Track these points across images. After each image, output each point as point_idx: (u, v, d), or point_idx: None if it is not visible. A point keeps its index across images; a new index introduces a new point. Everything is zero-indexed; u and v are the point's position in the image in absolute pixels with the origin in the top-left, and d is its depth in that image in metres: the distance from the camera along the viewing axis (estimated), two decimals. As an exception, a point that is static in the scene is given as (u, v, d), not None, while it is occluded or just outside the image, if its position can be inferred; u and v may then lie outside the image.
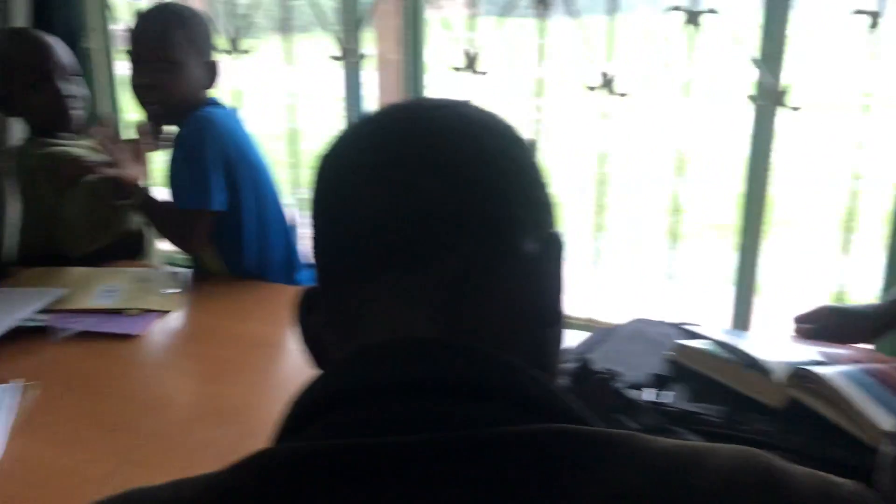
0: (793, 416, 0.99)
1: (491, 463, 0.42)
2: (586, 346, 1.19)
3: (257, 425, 0.99)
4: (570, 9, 1.58)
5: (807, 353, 1.09)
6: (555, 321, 0.54)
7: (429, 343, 0.48)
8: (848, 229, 1.44)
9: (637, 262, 4.84)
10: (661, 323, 1.30)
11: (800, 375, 0.98)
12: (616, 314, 1.31)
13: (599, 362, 1.12)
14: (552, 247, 0.54)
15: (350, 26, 1.95)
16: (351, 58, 1.97)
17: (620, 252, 5.05)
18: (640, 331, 1.24)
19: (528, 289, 0.52)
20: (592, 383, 1.03)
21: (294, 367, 1.27)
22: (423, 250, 0.50)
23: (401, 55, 1.93)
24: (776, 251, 5.13)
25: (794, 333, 1.26)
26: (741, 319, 1.65)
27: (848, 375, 0.98)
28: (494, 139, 0.54)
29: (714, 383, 1.08)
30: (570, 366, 1.08)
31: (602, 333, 1.25)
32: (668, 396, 1.04)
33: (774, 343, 1.16)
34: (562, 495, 0.41)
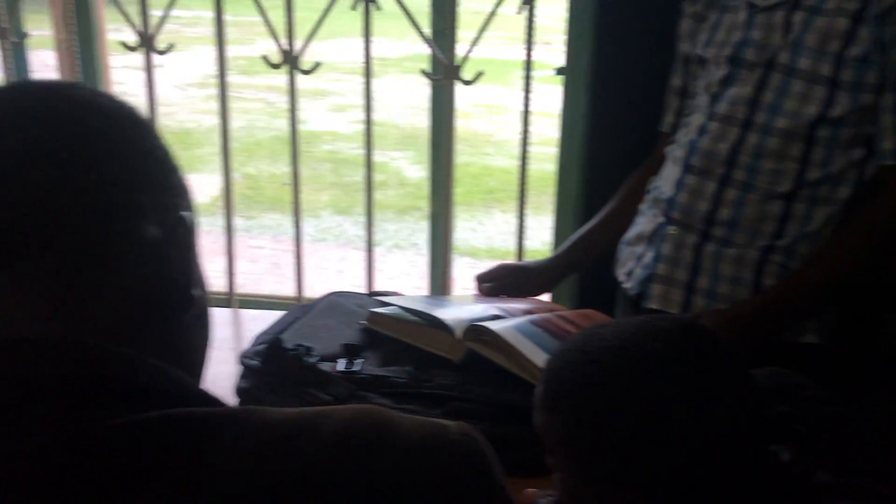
0: (473, 368, 1.06)
1: (90, 458, 0.40)
2: (280, 325, 1.19)
3: None
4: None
5: (487, 309, 1.18)
6: (188, 307, 0.53)
7: (36, 342, 0.45)
8: (523, 193, 1.56)
9: (350, 235, 4.95)
10: (358, 294, 1.33)
11: (474, 330, 1.06)
12: (327, 288, 1.33)
13: (292, 339, 1.12)
14: (179, 231, 0.52)
15: (9, 3, 1.76)
16: (11, 37, 1.78)
17: (338, 228, 5.14)
18: (336, 304, 1.26)
19: (151, 276, 0.50)
20: (283, 361, 1.03)
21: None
22: (21, 244, 0.46)
23: (70, 34, 1.78)
24: (469, 216, 5.51)
25: (477, 292, 1.35)
26: (438, 283, 1.74)
27: (516, 327, 1.07)
28: (106, 122, 0.51)
29: (404, 346, 1.13)
30: (260, 346, 1.07)
31: (298, 310, 1.25)
32: (358, 364, 1.06)
33: (460, 303, 1.24)
34: (168, 482, 0.40)
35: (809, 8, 1.11)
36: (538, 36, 1.50)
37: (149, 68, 1.68)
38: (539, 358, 1.01)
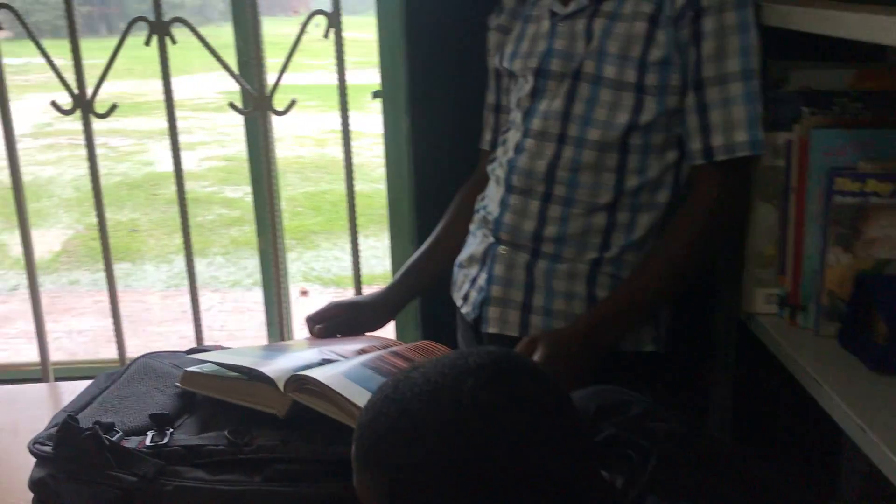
0: (301, 422, 0.97)
1: None
2: (81, 399, 1.06)
3: None
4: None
5: (317, 354, 1.09)
6: None
7: None
8: (353, 219, 1.49)
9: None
10: (174, 354, 1.21)
11: (297, 380, 0.97)
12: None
13: (94, 415, 1.00)
14: None
15: None
16: None
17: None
18: (149, 367, 1.14)
19: None
20: (78, 443, 0.91)
21: None
22: None
23: None
24: (331, 245, 5.39)
25: (310, 334, 1.26)
26: (274, 322, 1.63)
27: (345, 372, 0.99)
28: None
29: (225, 406, 1.03)
30: (52, 429, 0.94)
31: (103, 379, 1.12)
32: (166, 436, 0.96)
33: (293, 350, 1.14)
34: None
35: (608, 14, 1.09)
36: (357, 58, 1.44)
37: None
38: (363, 400, 0.93)
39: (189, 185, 1.72)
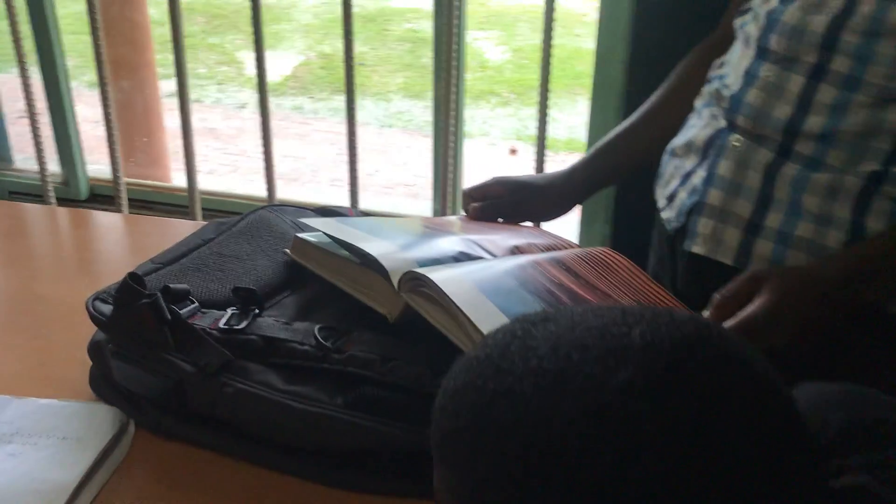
0: (415, 332, 0.73)
1: None
2: (177, 249, 0.88)
3: None
4: None
5: (456, 243, 0.84)
6: None
7: None
8: (546, 78, 1.19)
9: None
10: (299, 210, 1.00)
11: (413, 278, 0.72)
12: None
13: (176, 274, 0.82)
14: None
15: None
16: None
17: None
18: (265, 223, 0.94)
19: None
20: (136, 310, 0.72)
21: None
22: None
23: None
24: (520, 105, 5.02)
25: (465, 213, 1.00)
26: (439, 181, 1.39)
27: (479, 280, 0.73)
28: None
29: (336, 290, 0.81)
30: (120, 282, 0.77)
31: (211, 229, 0.94)
32: (247, 319, 0.75)
33: (427, 230, 0.90)
34: None
35: None
36: None
37: None
38: (490, 322, 0.67)
39: (421, 24, 1.50)
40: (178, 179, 2.18)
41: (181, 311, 0.74)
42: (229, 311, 0.76)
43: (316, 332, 0.73)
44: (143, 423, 0.74)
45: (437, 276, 0.71)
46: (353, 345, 0.72)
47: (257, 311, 0.77)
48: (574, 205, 1.03)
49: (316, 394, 0.69)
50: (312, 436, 0.68)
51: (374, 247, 0.78)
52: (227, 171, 3.94)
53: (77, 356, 0.80)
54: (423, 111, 4.81)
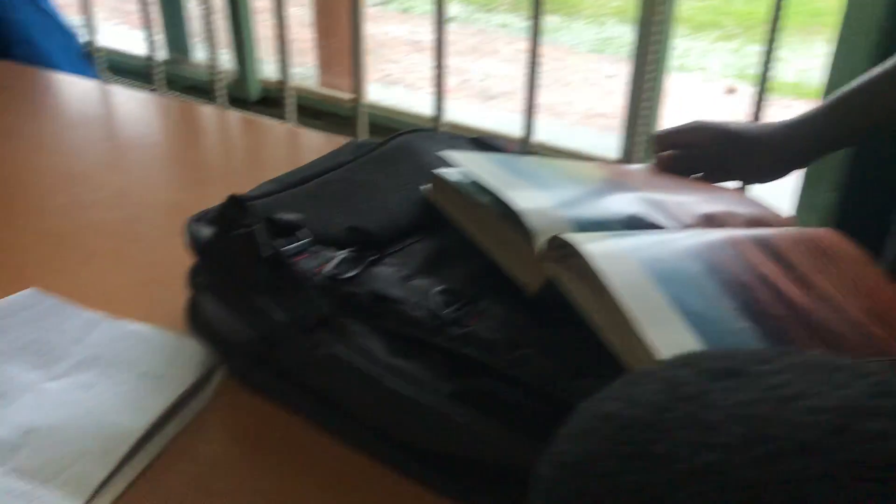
0: (559, 311, 0.57)
1: None
2: (303, 171, 0.76)
3: None
4: None
5: (631, 203, 0.66)
6: None
7: None
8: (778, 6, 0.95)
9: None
10: (453, 137, 0.85)
11: (562, 245, 0.55)
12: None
13: (294, 201, 0.70)
14: None
15: None
16: None
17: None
18: (408, 149, 0.80)
19: None
20: (231, 241, 0.61)
21: None
22: None
23: None
24: (745, 40, 4.49)
25: (654, 162, 0.81)
26: (632, 116, 1.19)
27: (650, 259, 0.55)
28: None
29: (471, 245, 0.66)
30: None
31: (347, 151, 0.81)
32: (361, 266, 0.62)
33: (605, 181, 0.72)
34: None
35: None
36: None
37: None
38: (659, 327, 0.50)
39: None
40: (373, 92, 2.09)
41: (286, 248, 0.62)
42: (340, 255, 0.63)
43: (435, 295, 0.59)
44: (233, 370, 0.64)
45: (593, 247, 0.54)
46: (478, 318, 0.57)
47: (376, 257, 0.64)
48: (796, 167, 0.81)
49: (420, 375, 0.55)
50: (409, 427, 0.54)
51: (524, 197, 0.62)
52: (424, 84, 3.86)
53: (182, 281, 0.71)
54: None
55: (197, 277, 0.67)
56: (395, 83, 3.77)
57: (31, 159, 0.97)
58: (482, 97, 3.68)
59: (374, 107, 1.64)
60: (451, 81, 1.51)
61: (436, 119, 1.53)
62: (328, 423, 0.60)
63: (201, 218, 0.67)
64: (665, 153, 0.79)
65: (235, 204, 0.62)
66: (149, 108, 1.12)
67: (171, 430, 0.60)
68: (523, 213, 0.59)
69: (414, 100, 2.74)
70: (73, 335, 0.67)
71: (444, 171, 0.70)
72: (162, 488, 0.56)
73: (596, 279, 0.52)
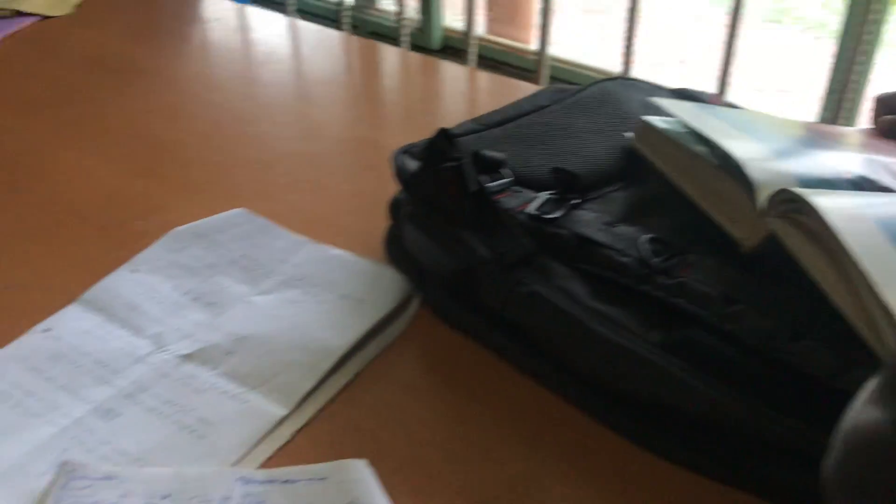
0: (776, 270, 0.54)
1: None
2: (500, 113, 0.76)
3: None
4: None
5: (859, 164, 0.62)
6: None
7: None
8: None
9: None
10: (655, 87, 0.82)
11: (788, 199, 0.52)
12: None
13: (496, 140, 0.70)
14: None
15: None
16: None
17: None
18: (609, 96, 0.78)
19: None
20: (438, 173, 0.62)
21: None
22: None
23: None
24: None
25: (872, 125, 0.76)
26: (835, 91, 1.11)
27: (884, 218, 0.51)
28: None
29: (678, 195, 0.64)
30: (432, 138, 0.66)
31: (548, 95, 0.80)
32: (564, 208, 0.61)
33: (816, 140, 0.68)
34: None
35: None
36: None
37: None
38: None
39: None
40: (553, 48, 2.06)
41: (489, 185, 0.62)
42: (544, 196, 0.63)
43: (644, 243, 0.57)
44: (429, 302, 0.65)
45: (825, 202, 0.50)
46: (689, 270, 0.56)
47: (578, 200, 0.63)
48: None
49: (624, 319, 0.54)
50: (612, 372, 0.54)
51: (741, 147, 0.59)
52: (604, 46, 3.77)
53: (380, 212, 0.73)
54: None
55: (399, 208, 0.68)
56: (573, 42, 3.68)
57: (234, 87, 1.02)
58: (668, 61, 3.55)
59: (556, 59, 1.62)
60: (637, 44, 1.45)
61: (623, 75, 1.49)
62: (519, 360, 0.60)
63: (407, 150, 0.69)
64: (887, 117, 0.73)
65: (445, 138, 0.63)
66: (337, 46, 1.15)
67: (370, 351, 0.62)
68: (745, 164, 0.56)
69: (595, 58, 2.66)
70: (279, 254, 0.71)
71: (652, 119, 0.68)
72: (361, 406, 0.58)
73: (829, 237, 0.49)
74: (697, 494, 0.51)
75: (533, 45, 1.86)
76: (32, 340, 0.62)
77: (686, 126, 0.64)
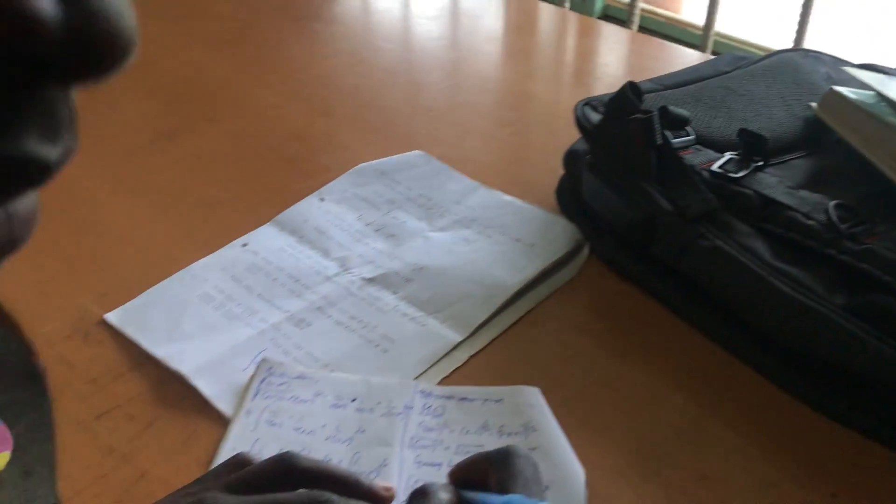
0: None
1: None
2: (683, 74, 0.76)
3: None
4: None
5: None
6: None
7: None
8: None
9: None
10: (837, 60, 0.81)
11: None
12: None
13: (676, 99, 0.70)
14: None
15: None
16: None
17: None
18: (790, 66, 0.77)
19: None
20: (625, 125, 0.63)
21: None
22: None
23: None
24: None
25: None
26: None
27: None
28: None
29: (865, 166, 0.63)
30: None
31: (727, 61, 0.80)
32: (747, 169, 0.62)
33: None
34: None
35: None
36: None
37: None
38: None
39: None
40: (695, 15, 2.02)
41: (674, 141, 0.63)
42: (727, 155, 0.63)
43: (831, 208, 0.57)
44: (598, 251, 0.67)
45: None
46: (876, 238, 0.55)
47: (761, 163, 0.63)
48: None
49: (810, 282, 0.54)
50: (793, 330, 0.54)
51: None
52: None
53: (549, 163, 0.75)
54: None
55: (576, 159, 0.70)
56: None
57: (406, 40, 1.05)
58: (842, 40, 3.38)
59: (721, 35, 1.59)
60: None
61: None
62: (686, 311, 0.61)
63: (588, 102, 0.70)
64: None
65: (633, 91, 0.64)
66: (502, 6, 1.17)
67: (541, 292, 0.64)
68: (948, 135, 0.55)
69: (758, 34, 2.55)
70: (455, 196, 0.74)
71: (841, 89, 0.67)
72: (532, 340, 0.60)
73: None
74: (869, 462, 0.51)
75: (692, 18, 1.83)
76: (232, 253, 0.68)
77: (880, 96, 0.63)
